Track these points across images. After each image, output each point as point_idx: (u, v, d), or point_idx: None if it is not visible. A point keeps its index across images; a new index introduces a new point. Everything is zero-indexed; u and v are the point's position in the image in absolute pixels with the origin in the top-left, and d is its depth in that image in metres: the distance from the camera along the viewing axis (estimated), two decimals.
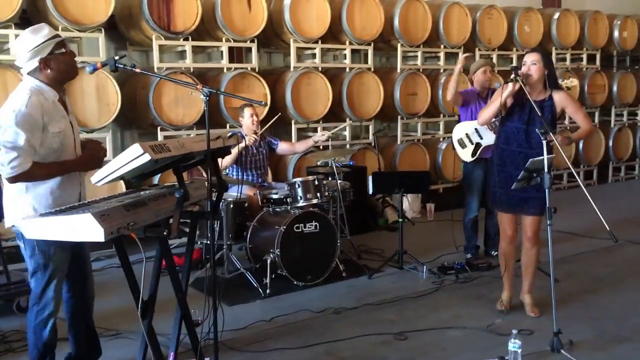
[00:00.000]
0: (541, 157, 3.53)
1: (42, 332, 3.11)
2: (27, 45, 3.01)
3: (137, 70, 3.06)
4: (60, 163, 3.03)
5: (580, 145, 9.66)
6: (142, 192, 3.10)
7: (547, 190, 3.49)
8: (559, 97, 4.02)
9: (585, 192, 3.30)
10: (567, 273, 5.19)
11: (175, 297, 4.17)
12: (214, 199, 3.08)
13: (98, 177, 2.67)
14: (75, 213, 2.50)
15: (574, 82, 5.41)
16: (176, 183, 3.20)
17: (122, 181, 5.21)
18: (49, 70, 3.03)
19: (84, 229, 2.43)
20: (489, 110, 4.05)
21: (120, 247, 2.86)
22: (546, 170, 3.48)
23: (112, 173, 2.64)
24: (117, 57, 3.02)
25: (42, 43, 3.01)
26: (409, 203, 7.52)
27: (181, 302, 3.03)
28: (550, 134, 3.51)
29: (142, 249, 2.62)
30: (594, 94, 9.74)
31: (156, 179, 5.76)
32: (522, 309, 4.34)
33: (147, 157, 2.55)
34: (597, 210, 3.18)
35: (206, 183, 3.30)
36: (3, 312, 4.39)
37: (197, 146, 2.98)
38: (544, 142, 3.48)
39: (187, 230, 3.45)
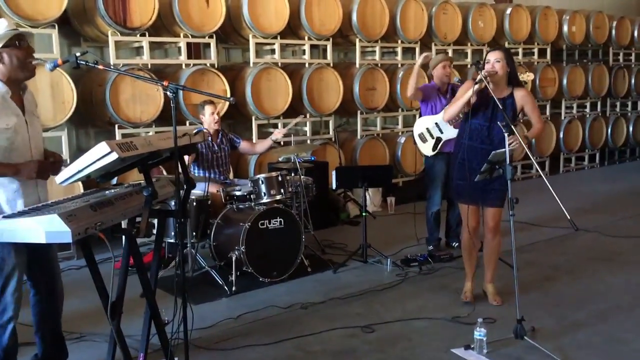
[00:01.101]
0: (503, 150, 3.62)
1: (1, 338, 3.03)
2: None
3: (100, 67, 3.00)
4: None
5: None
6: (106, 192, 3.04)
7: (508, 181, 3.58)
8: (519, 95, 4.14)
9: (548, 184, 3.41)
10: (525, 262, 5.33)
11: (138, 297, 4.13)
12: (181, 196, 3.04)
13: (63, 176, 2.61)
14: (41, 214, 2.44)
15: (530, 76, 5.55)
16: (139, 182, 3.17)
17: (79, 182, 5.13)
18: (1, 65, 2.94)
19: (51, 230, 2.38)
20: (455, 107, 4.12)
21: (86, 248, 2.81)
22: (507, 161, 3.57)
23: (78, 172, 2.59)
24: (78, 54, 2.96)
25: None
26: (370, 197, 7.56)
27: (150, 302, 2.98)
28: (513, 128, 3.59)
29: (110, 249, 2.57)
30: (545, 87, 10.01)
31: (114, 179, 5.66)
32: (484, 298, 4.44)
33: (114, 156, 2.51)
34: (558, 200, 3.27)
35: (171, 181, 3.28)
36: None
37: (164, 143, 2.94)
38: (506, 135, 3.58)
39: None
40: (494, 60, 4.03)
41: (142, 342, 2.98)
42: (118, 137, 6.02)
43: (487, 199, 4.19)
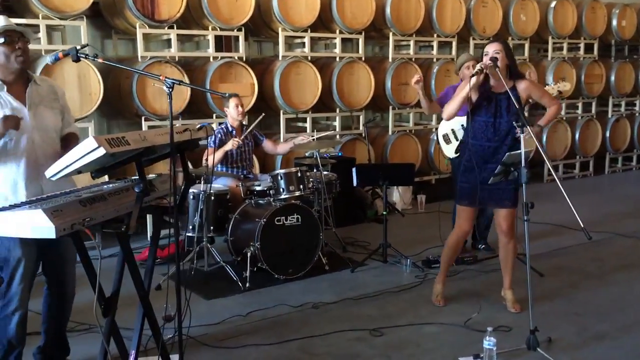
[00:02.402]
0: (518, 151, 3.44)
1: (6, 328, 3.06)
2: None
3: (100, 60, 2.97)
4: None
5: (577, 135, 9.55)
6: (105, 186, 3.03)
7: (524, 185, 3.40)
8: (522, 86, 3.97)
9: (560, 186, 3.21)
10: (553, 267, 5.11)
11: (154, 290, 4.13)
12: (178, 193, 3.00)
13: (52, 171, 2.59)
14: (27, 208, 2.43)
15: (566, 85, 5.27)
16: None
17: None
18: None
19: (35, 225, 2.37)
20: (454, 104, 3.92)
21: (79, 244, 2.79)
22: (523, 164, 3.39)
23: (66, 167, 2.56)
24: (78, 47, 2.94)
25: None
26: (400, 194, 7.43)
27: (143, 299, 2.96)
28: (528, 127, 3.41)
29: (97, 246, 2.55)
30: (591, 83, 9.61)
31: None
32: (502, 304, 4.25)
33: (102, 151, 2.47)
34: (572, 206, 3.08)
35: (174, 177, 3.24)
36: None
37: (161, 139, 2.89)
38: (521, 136, 3.39)
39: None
40: (492, 52, 3.86)
41: (134, 340, 2.95)
42: (144, 128, 6.05)
43: (497, 200, 4.03)
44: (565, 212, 6.21)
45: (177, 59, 6.33)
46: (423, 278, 4.88)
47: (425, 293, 4.58)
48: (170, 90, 2.89)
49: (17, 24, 3.17)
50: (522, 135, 3.41)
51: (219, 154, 5.34)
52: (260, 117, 5.51)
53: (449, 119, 3.97)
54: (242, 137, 5.46)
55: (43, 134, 3.15)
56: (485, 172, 3.90)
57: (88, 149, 2.48)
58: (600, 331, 3.87)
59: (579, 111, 9.79)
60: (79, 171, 2.65)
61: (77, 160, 2.52)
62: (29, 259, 3.06)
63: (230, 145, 5.30)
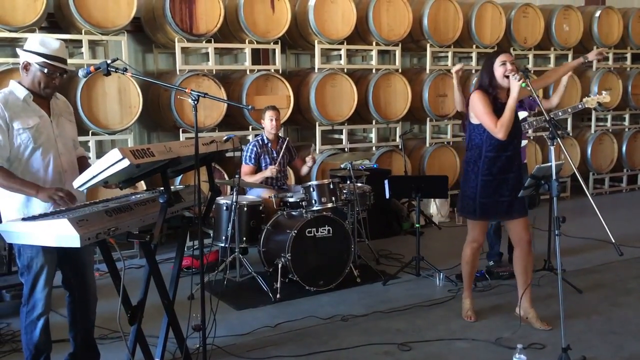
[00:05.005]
0: (549, 164, 3.35)
1: (32, 333, 3.14)
2: (30, 44, 3.09)
3: (128, 74, 3.05)
4: (22, 181, 2.99)
5: (623, 148, 9.26)
6: (133, 196, 3.10)
7: (554, 198, 3.31)
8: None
9: (591, 200, 3.11)
10: (593, 283, 4.95)
11: (187, 299, 4.18)
12: (203, 204, 3.04)
13: (79, 182, 2.66)
14: (53, 218, 2.50)
15: (606, 98, 5.26)
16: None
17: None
18: (25, 73, 3.10)
19: (60, 234, 2.44)
20: (509, 115, 3.77)
21: (106, 252, 2.85)
22: (554, 177, 3.30)
23: (93, 178, 2.63)
24: (109, 61, 3.02)
25: (37, 52, 3.06)
26: (437, 207, 7.35)
27: (168, 308, 3.00)
28: (558, 139, 3.31)
29: (120, 255, 2.60)
30: (637, 95, 9.30)
31: (178, 181, 5.80)
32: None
33: (126, 162, 2.54)
34: (602, 220, 2.98)
35: (202, 187, 3.28)
36: (17, 311, 4.45)
37: (186, 150, 2.95)
38: (552, 148, 3.30)
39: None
40: (510, 60, 3.86)
41: (159, 348, 3.00)
42: (182, 140, 6.16)
43: (514, 212, 4.01)
44: (612, 226, 6.07)
45: (214, 72, 6.44)
46: (456, 292, 4.78)
47: (457, 308, 4.48)
48: (196, 102, 2.94)
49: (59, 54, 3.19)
50: (552, 148, 3.33)
51: (258, 178, 5.52)
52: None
53: (505, 138, 3.82)
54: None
55: (65, 143, 3.26)
56: (506, 183, 3.92)
57: (113, 160, 2.54)
58: (637, 351, 3.72)
59: (626, 123, 9.50)
60: (105, 182, 2.72)
61: (103, 171, 2.59)
62: (50, 265, 3.14)
63: (269, 172, 5.48)
